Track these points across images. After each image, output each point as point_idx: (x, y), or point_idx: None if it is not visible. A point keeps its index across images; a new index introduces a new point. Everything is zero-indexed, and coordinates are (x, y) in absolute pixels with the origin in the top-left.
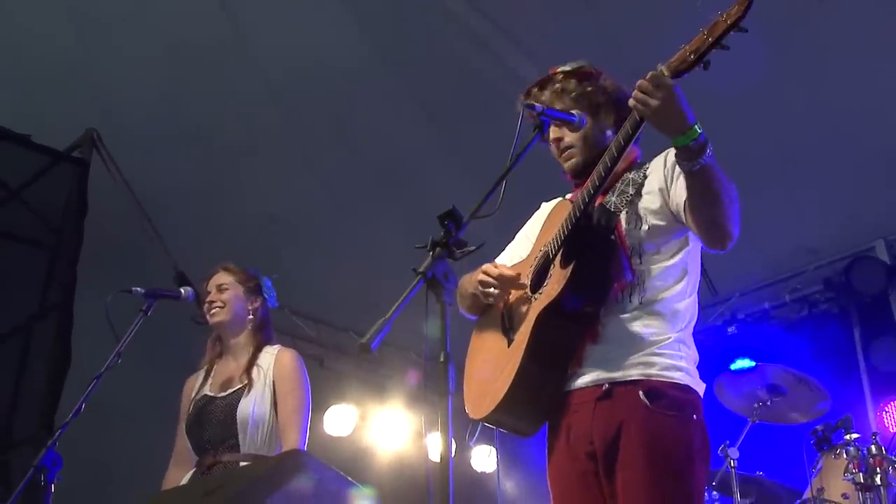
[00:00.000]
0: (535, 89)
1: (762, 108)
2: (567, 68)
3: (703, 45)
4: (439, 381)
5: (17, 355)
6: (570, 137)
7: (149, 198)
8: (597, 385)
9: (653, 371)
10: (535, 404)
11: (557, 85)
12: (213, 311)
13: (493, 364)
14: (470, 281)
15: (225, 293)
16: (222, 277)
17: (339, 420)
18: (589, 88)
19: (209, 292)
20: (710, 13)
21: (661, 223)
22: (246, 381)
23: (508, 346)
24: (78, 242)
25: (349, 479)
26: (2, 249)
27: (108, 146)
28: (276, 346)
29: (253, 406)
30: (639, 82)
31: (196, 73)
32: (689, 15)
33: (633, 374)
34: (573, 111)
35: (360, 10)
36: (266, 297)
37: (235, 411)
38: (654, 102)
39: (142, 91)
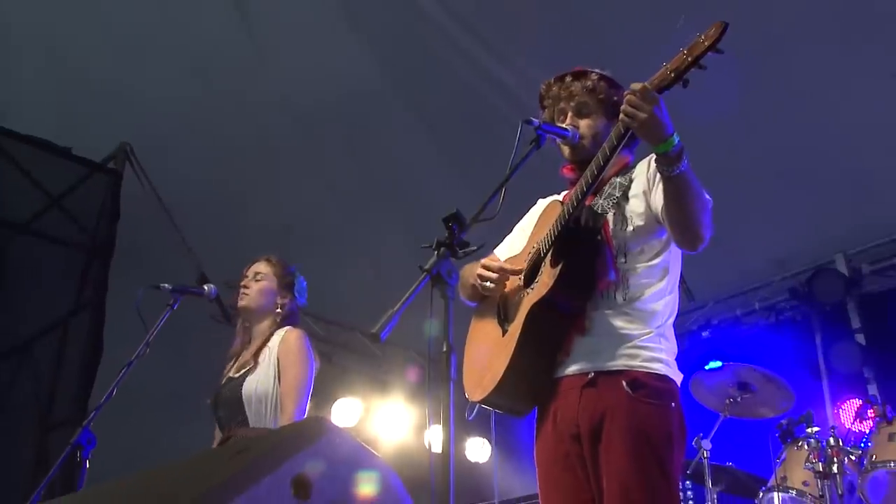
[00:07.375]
0: (569, 77)
1: (737, 134)
2: (603, 73)
3: (682, 64)
4: (442, 369)
5: (56, 346)
6: (584, 128)
7: (175, 206)
8: (583, 373)
9: (635, 363)
10: (527, 389)
11: (590, 83)
12: (241, 295)
13: (489, 351)
14: (471, 272)
15: (259, 283)
16: (261, 267)
17: (346, 412)
18: (615, 98)
19: (246, 276)
20: (691, 34)
21: (644, 224)
22: (256, 361)
23: (503, 336)
24: (111, 245)
25: (368, 447)
26: (42, 250)
27: (139, 158)
28: (285, 328)
29: (256, 383)
30: (627, 96)
31: (219, 91)
32: (679, 38)
33: (617, 364)
34: (568, 126)
35: (371, 35)
36: (297, 294)
37: (241, 389)
38: (642, 115)
39: (170, 108)
